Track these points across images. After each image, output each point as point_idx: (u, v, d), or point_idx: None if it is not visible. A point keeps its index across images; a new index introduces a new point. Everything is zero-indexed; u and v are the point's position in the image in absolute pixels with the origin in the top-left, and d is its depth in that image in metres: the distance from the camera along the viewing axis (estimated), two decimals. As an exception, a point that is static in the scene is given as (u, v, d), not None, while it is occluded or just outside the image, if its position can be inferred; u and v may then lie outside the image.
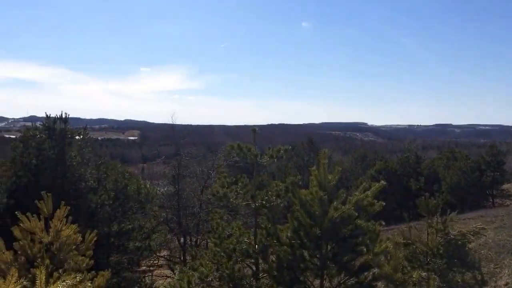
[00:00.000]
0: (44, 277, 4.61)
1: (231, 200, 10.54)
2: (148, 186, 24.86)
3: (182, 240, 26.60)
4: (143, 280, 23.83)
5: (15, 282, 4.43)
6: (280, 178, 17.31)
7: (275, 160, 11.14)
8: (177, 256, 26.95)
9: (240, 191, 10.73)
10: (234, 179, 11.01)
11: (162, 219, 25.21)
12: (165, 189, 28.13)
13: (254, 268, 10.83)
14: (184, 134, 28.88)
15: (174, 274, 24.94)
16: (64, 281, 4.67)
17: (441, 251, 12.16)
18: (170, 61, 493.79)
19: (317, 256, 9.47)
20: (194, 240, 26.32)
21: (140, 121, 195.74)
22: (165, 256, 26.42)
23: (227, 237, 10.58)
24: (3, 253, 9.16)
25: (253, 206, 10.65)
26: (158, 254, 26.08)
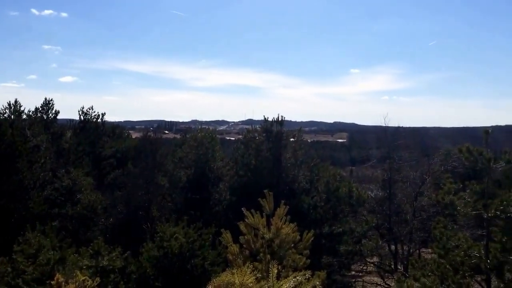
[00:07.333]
0: (276, 271, 4.66)
1: (459, 208, 9.49)
2: (359, 189, 24.57)
3: (393, 247, 25.57)
4: (353, 285, 23.60)
5: (250, 273, 4.54)
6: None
7: (513, 165, 9.71)
8: (387, 264, 25.98)
9: (469, 199, 9.60)
10: (461, 185, 9.94)
11: (373, 225, 24.59)
12: (375, 193, 27.40)
13: (485, 286, 9.57)
14: (396, 136, 27.72)
15: (385, 282, 24.07)
16: (295, 277, 4.65)
17: None
18: (379, 62, 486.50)
19: None
20: (406, 248, 24.98)
21: (349, 123, 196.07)
22: (376, 263, 25.71)
23: (453, 248, 9.55)
24: (231, 245, 9.91)
25: (485, 217, 9.41)
26: (368, 260, 25.56)
